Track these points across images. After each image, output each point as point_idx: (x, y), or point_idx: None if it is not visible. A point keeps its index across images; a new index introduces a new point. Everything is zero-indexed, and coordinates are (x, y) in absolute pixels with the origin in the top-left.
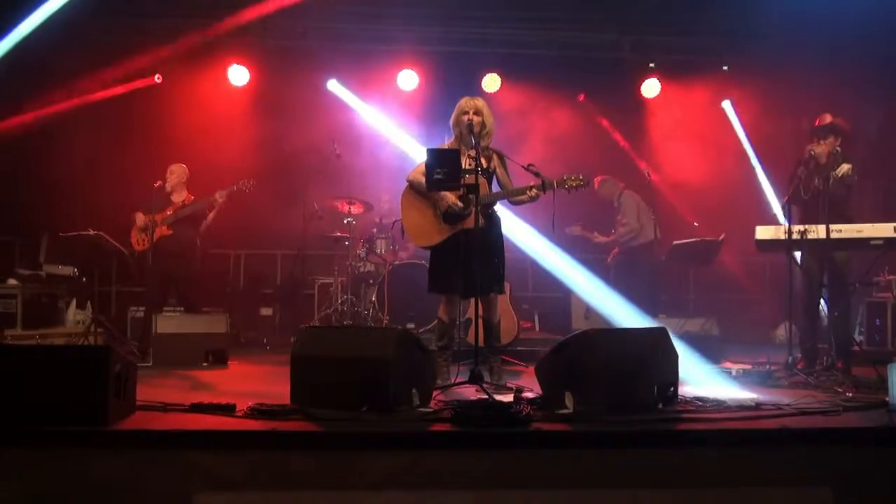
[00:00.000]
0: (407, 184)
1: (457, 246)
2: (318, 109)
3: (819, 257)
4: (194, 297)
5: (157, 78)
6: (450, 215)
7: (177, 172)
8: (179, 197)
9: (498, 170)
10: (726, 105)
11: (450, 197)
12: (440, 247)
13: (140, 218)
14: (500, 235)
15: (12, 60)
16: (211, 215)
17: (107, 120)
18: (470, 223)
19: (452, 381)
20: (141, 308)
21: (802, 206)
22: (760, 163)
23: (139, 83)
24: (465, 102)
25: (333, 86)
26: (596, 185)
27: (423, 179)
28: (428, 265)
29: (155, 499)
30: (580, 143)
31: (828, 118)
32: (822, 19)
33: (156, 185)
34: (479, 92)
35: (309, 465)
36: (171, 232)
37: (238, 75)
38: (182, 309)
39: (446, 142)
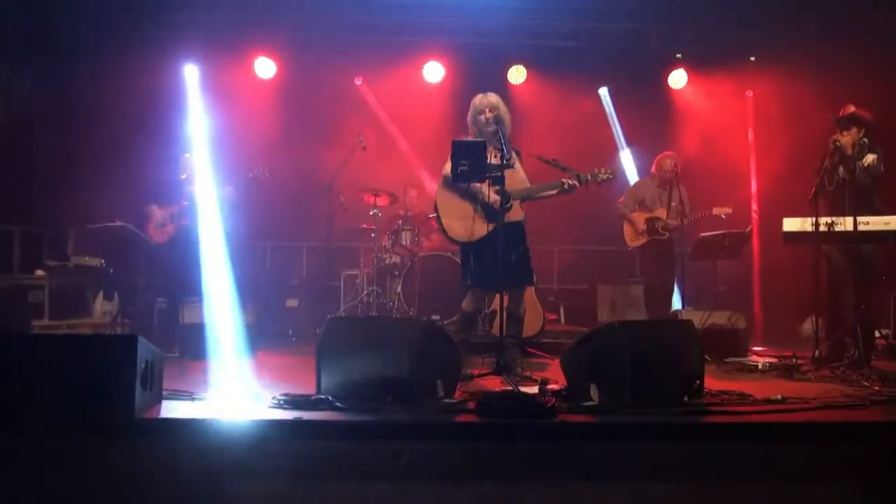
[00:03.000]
0: (442, 178)
1: (495, 240)
2: (344, 101)
3: (845, 250)
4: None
5: (189, 70)
6: (490, 210)
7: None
8: None
9: (516, 164)
10: (748, 95)
11: (487, 193)
12: (481, 241)
13: (155, 211)
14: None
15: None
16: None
17: (135, 111)
18: (512, 216)
19: (475, 372)
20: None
21: (828, 198)
22: (755, 155)
23: (169, 75)
24: (479, 101)
25: (360, 79)
26: (659, 160)
27: None
28: (458, 259)
29: (183, 488)
30: (604, 135)
31: (850, 108)
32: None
33: (182, 176)
34: (504, 84)
35: (334, 454)
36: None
37: (265, 68)
38: None
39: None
